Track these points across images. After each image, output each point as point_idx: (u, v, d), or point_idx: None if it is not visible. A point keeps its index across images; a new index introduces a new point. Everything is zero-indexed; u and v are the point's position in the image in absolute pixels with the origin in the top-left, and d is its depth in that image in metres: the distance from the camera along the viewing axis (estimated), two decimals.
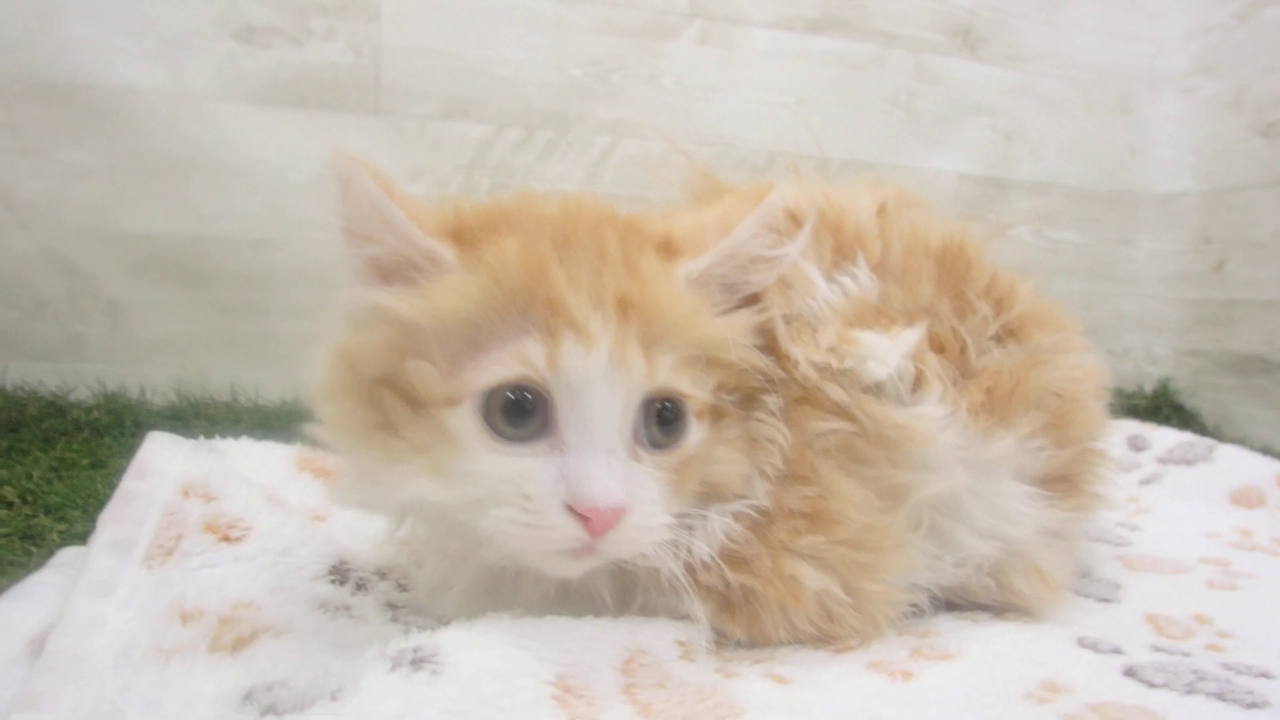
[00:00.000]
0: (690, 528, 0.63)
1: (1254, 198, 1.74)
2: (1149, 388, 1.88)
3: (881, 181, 0.81)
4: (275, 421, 1.32)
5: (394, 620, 0.70)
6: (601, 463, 0.57)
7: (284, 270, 1.43)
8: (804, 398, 0.68)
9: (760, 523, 0.66)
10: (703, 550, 0.63)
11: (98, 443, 1.23)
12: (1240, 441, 1.51)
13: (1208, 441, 1.31)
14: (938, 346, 0.71)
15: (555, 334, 0.57)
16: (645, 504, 0.59)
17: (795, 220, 0.73)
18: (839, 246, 0.72)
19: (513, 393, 0.58)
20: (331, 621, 0.66)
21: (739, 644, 0.69)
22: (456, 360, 0.59)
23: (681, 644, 0.64)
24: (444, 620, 0.68)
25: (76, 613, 0.58)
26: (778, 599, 0.66)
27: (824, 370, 0.68)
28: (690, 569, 0.64)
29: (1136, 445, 1.36)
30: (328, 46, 1.45)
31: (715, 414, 0.65)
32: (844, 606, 0.67)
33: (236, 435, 1.20)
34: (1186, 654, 0.70)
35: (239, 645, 0.60)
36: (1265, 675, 0.66)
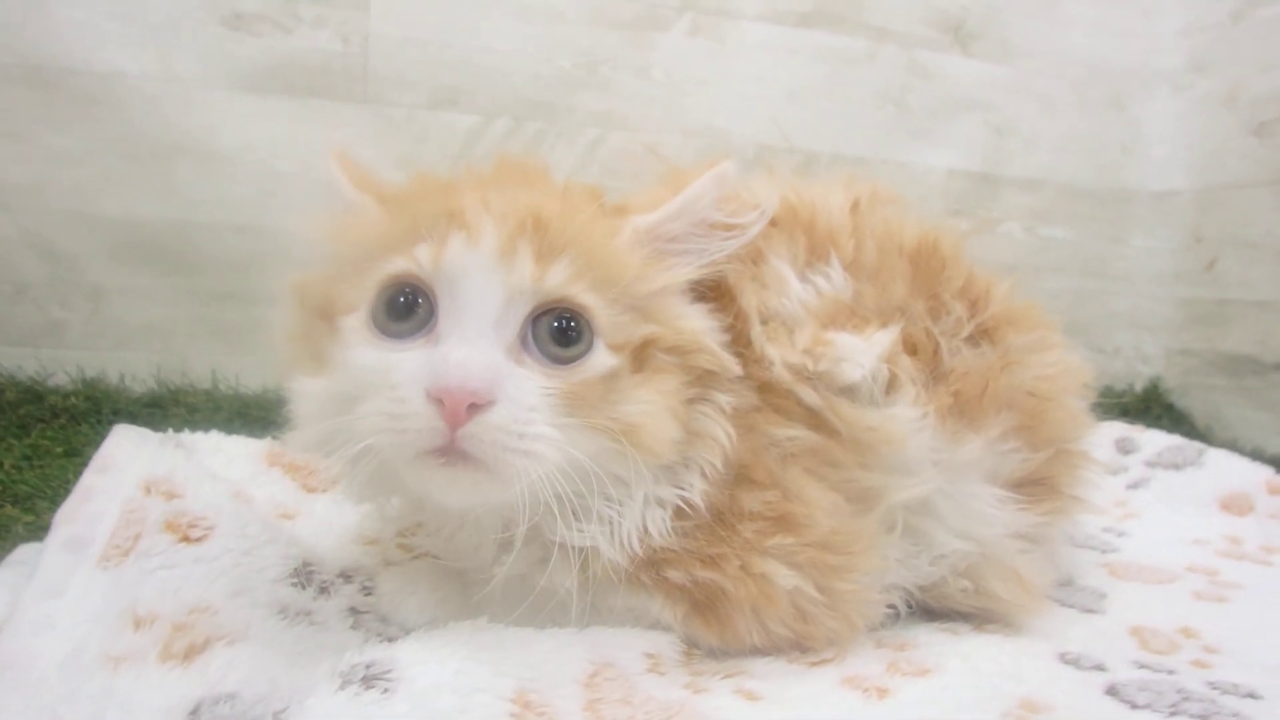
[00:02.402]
0: (620, 505, 0.62)
1: (1247, 197, 1.73)
2: (1139, 386, 1.87)
3: (857, 178, 0.80)
4: (254, 410, 1.31)
5: (355, 628, 0.68)
6: (465, 348, 0.56)
7: (268, 258, 1.41)
8: (765, 404, 0.67)
9: (720, 523, 0.65)
10: (632, 537, 0.62)
11: (74, 430, 1.22)
12: (1231, 443, 1.50)
13: (1197, 445, 1.29)
14: (911, 348, 0.71)
15: (446, 237, 0.59)
16: (519, 407, 0.56)
17: (772, 220, 0.73)
18: (812, 245, 0.72)
19: (397, 290, 0.60)
20: (290, 629, 0.65)
21: (710, 652, 0.68)
22: (366, 275, 0.61)
23: (650, 656, 0.63)
24: (407, 627, 0.68)
25: (25, 614, 0.56)
26: (750, 599, 0.65)
27: (798, 372, 0.68)
28: (653, 565, 0.64)
29: (1124, 448, 1.35)
30: (316, 34, 1.44)
31: (642, 358, 0.63)
32: (818, 606, 0.67)
33: (215, 423, 1.20)
34: (1171, 671, 0.69)
35: (191, 654, 0.58)
36: (1252, 696, 0.66)
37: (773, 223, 0.72)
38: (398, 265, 0.60)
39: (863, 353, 0.68)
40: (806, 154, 1.67)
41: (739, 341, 0.68)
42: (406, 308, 0.59)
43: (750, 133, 1.65)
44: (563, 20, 1.54)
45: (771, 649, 0.68)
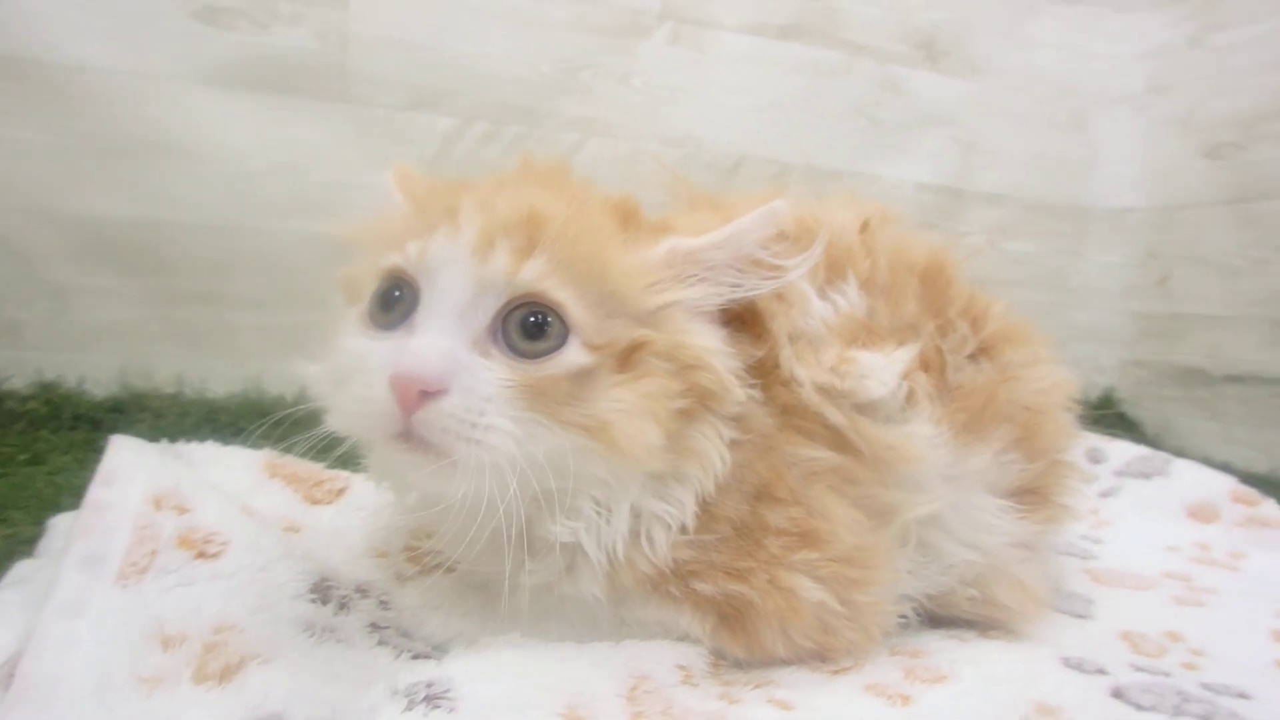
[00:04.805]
0: (608, 509, 0.63)
1: (1199, 216, 1.80)
2: (1094, 396, 1.92)
3: (856, 197, 0.81)
4: (223, 416, 1.28)
5: (381, 644, 0.67)
6: (427, 338, 0.58)
7: (240, 259, 1.39)
8: (788, 425, 0.68)
9: (745, 538, 0.66)
10: (617, 544, 0.63)
11: (35, 436, 1.19)
12: (1179, 451, 1.55)
13: (1164, 455, 1.34)
14: (924, 365, 0.72)
15: (435, 232, 0.61)
16: (473, 397, 0.57)
17: (784, 237, 0.73)
18: (830, 263, 0.72)
19: (390, 283, 0.62)
20: (319, 646, 0.64)
21: (736, 663, 0.69)
22: (373, 270, 0.64)
23: (682, 668, 0.64)
24: (431, 643, 0.68)
25: (47, 634, 0.54)
26: (777, 612, 0.66)
27: (826, 391, 0.68)
28: (682, 577, 0.65)
29: (1094, 458, 1.38)
30: (293, 31, 1.41)
31: (630, 360, 0.62)
32: (839, 618, 0.68)
33: (181, 429, 1.16)
34: (1167, 674, 0.72)
35: (227, 674, 0.57)
36: (1244, 696, 0.68)
37: (790, 239, 0.72)
38: (391, 260, 0.62)
39: (885, 370, 0.69)
40: (782, 165, 1.68)
41: (767, 365, 0.68)
42: (395, 300, 0.62)
43: (727, 142, 1.66)
44: (544, 25, 1.53)
45: (794, 660, 0.69)
